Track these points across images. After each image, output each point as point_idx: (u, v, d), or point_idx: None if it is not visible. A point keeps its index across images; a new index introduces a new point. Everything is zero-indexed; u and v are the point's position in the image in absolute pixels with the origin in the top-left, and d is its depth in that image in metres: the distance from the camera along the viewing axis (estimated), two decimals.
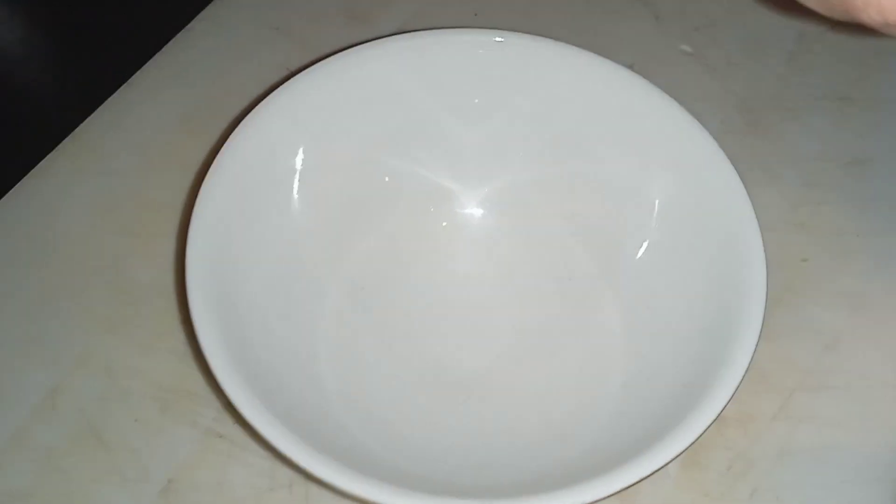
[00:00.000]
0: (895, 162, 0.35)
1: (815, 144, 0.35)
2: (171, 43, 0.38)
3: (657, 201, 0.29)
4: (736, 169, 0.27)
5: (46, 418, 0.28)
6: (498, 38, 0.30)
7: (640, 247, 0.29)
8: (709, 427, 0.22)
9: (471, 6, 0.39)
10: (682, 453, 0.22)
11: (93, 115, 0.35)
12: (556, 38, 0.30)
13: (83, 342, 0.30)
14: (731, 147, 0.34)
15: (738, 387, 0.23)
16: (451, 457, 0.26)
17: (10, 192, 0.33)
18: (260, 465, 0.27)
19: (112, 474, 0.27)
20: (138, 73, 0.37)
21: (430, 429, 0.27)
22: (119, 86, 0.36)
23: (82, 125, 0.35)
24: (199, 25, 0.39)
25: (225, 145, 0.27)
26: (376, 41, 0.29)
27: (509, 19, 0.38)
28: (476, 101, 0.30)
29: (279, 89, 0.28)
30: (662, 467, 0.22)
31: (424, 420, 0.27)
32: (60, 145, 0.34)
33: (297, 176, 0.29)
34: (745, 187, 0.27)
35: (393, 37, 0.29)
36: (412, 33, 0.30)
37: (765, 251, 0.25)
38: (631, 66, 0.30)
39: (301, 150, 0.29)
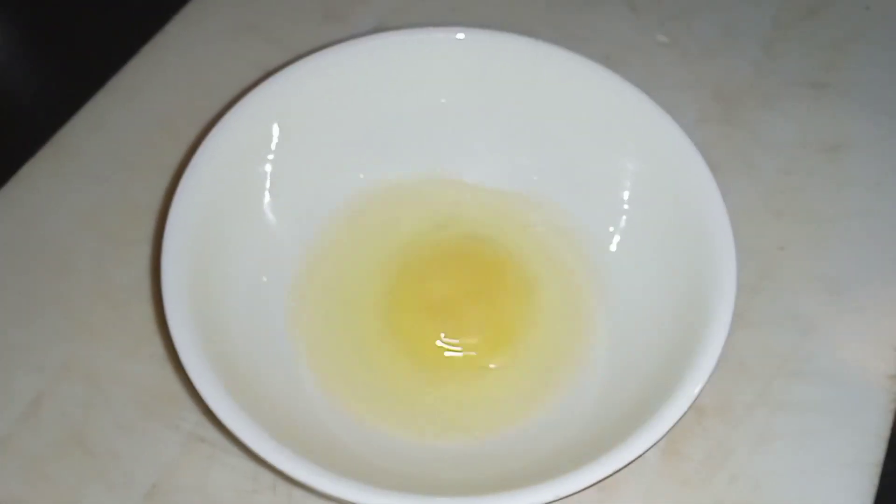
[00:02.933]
0: (871, 148, 0.35)
1: (791, 131, 0.35)
2: (147, 45, 0.38)
3: (628, 194, 0.29)
4: (712, 157, 0.27)
5: (31, 425, 0.28)
6: (461, 36, 0.30)
7: (614, 239, 0.29)
8: (682, 417, 0.23)
9: (448, 2, 0.39)
10: (654, 445, 0.22)
11: (71, 121, 0.35)
12: (530, 30, 0.30)
13: (65, 349, 0.30)
14: (708, 136, 0.34)
15: (710, 376, 0.23)
16: (431, 454, 0.27)
17: None
18: (243, 468, 0.27)
19: (97, 480, 0.27)
20: (115, 76, 0.37)
21: (411, 427, 0.27)
22: (96, 90, 0.36)
23: (61, 131, 0.35)
24: (176, 27, 0.38)
25: (197, 149, 0.27)
26: (347, 42, 0.29)
27: (486, 13, 0.39)
28: (443, 100, 0.30)
29: (251, 92, 0.28)
30: (635, 459, 0.22)
31: (406, 419, 0.28)
32: (40, 152, 0.34)
33: (270, 176, 0.29)
34: (722, 175, 0.27)
35: (362, 37, 0.29)
36: (381, 33, 0.30)
37: (741, 239, 0.26)
38: (607, 57, 0.30)
39: (274, 150, 0.29)
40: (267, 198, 0.29)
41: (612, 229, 0.29)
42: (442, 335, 0.29)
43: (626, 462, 0.22)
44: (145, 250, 0.32)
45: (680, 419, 0.23)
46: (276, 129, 0.29)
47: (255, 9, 0.39)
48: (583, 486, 0.22)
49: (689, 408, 0.23)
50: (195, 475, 0.27)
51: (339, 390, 0.28)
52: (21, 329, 0.30)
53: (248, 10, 0.39)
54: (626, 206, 0.29)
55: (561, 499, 0.22)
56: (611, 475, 0.22)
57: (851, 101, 0.36)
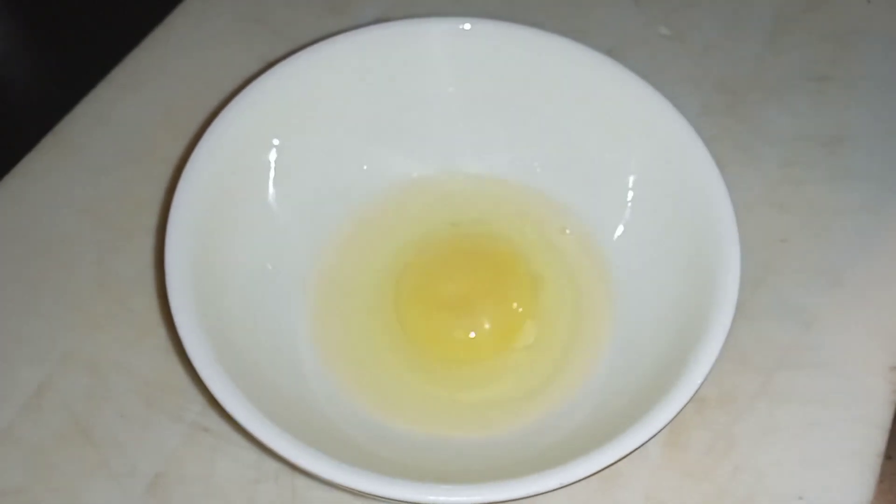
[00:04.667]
0: (874, 140, 0.35)
1: (793, 124, 0.35)
2: (149, 37, 0.38)
3: (632, 184, 0.29)
4: (715, 150, 0.27)
5: (33, 416, 0.28)
6: (467, 26, 0.30)
7: (617, 229, 0.29)
8: (684, 408, 0.23)
9: None
10: (656, 435, 0.22)
11: (72, 112, 0.35)
12: (534, 22, 0.30)
13: (68, 339, 0.30)
14: (711, 128, 0.34)
15: (712, 368, 0.23)
16: (434, 443, 0.27)
17: None
18: (246, 458, 0.28)
19: (100, 470, 0.27)
20: (117, 68, 0.37)
21: (413, 417, 0.27)
22: (98, 81, 0.36)
23: (62, 122, 0.35)
24: (178, 19, 0.38)
25: (200, 140, 0.27)
26: (350, 32, 0.29)
27: (489, 5, 0.39)
28: (450, 89, 0.30)
29: (253, 83, 0.28)
30: (636, 449, 0.22)
31: (408, 409, 0.28)
32: (40, 143, 0.34)
33: (273, 166, 0.29)
34: (724, 168, 0.27)
35: (366, 27, 0.29)
36: (386, 23, 0.30)
37: (743, 232, 0.26)
38: (610, 50, 0.30)
39: (277, 141, 0.29)
40: (270, 188, 0.29)
41: (616, 220, 0.29)
42: (447, 330, 0.29)
43: (627, 452, 0.22)
44: (148, 242, 0.32)
45: (681, 410, 0.23)
46: (278, 121, 0.29)
47: (257, 0, 0.39)
48: (584, 475, 0.22)
49: (691, 399, 0.23)
50: (198, 465, 0.27)
51: (344, 380, 0.28)
52: (23, 320, 0.30)
53: (249, 1, 0.39)
54: (630, 197, 0.29)
55: (564, 486, 0.22)
56: (612, 465, 0.22)
57: (854, 94, 0.36)
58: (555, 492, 0.22)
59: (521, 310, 0.30)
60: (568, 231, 0.31)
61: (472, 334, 0.29)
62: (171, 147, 0.34)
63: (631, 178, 0.29)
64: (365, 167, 0.31)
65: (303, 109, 0.29)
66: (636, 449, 0.22)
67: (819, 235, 0.32)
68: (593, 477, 0.22)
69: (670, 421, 0.23)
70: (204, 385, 0.23)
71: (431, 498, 0.22)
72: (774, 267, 0.32)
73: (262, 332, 0.27)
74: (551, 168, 0.31)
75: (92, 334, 0.30)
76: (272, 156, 0.29)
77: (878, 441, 0.28)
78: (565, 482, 0.22)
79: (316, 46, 0.29)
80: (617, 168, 0.29)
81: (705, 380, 0.23)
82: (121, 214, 0.33)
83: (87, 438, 0.28)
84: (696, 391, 0.23)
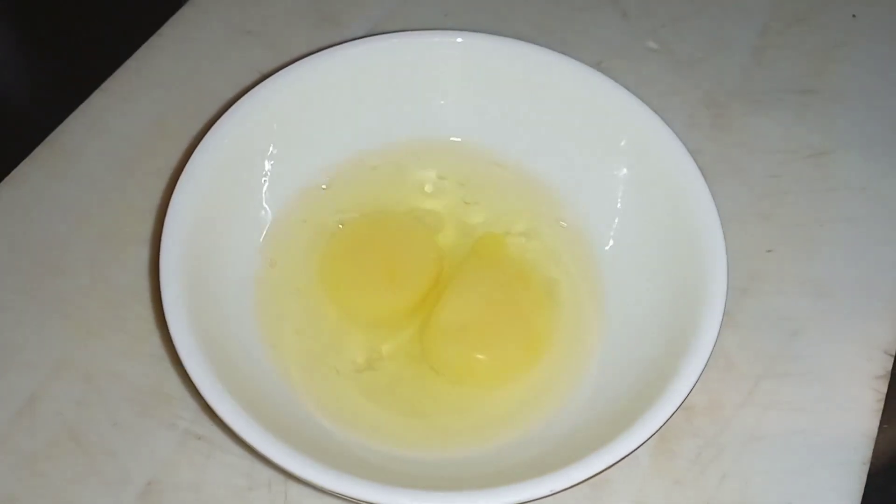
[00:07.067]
0: (857, 152, 0.35)
1: (779, 136, 0.36)
2: (143, 47, 0.38)
3: (620, 197, 0.29)
4: (701, 162, 0.28)
5: (26, 424, 0.28)
6: (459, 39, 0.30)
7: (607, 242, 0.30)
8: (672, 416, 0.23)
9: (441, 7, 0.40)
10: (644, 443, 0.22)
11: (66, 121, 0.35)
12: (524, 37, 0.31)
13: (61, 348, 0.30)
14: (698, 140, 0.35)
15: (700, 376, 0.23)
16: (424, 454, 0.27)
17: None
18: (238, 465, 0.28)
19: (92, 477, 0.27)
20: (111, 78, 0.37)
21: (405, 425, 0.28)
22: (92, 91, 0.36)
23: (56, 131, 0.35)
24: (171, 30, 0.39)
25: (195, 151, 0.27)
26: (344, 44, 0.30)
27: (479, 19, 0.39)
28: (441, 101, 0.30)
29: (248, 94, 0.28)
30: (625, 457, 0.22)
31: (400, 416, 0.28)
32: (34, 152, 0.35)
33: (267, 177, 0.29)
34: (711, 180, 0.27)
35: (360, 40, 0.30)
36: (378, 36, 0.30)
37: (730, 242, 0.26)
38: (598, 63, 0.30)
39: (271, 151, 0.29)
40: (263, 200, 0.29)
41: (604, 232, 0.30)
42: (440, 329, 0.29)
43: (617, 459, 0.22)
44: (141, 250, 0.32)
45: (669, 418, 0.23)
46: (272, 132, 0.29)
47: (250, 12, 0.39)
48: (574, 482, 0.22)
49: (679, 407, 0.23)
50: (191, 472, 0.28)
51: (335, 386, 0.28)
52: (16, 328, 0.30)
53: (243, 13, 0.39)
54: (618, 209, 0.29)
55: (555, 493, 0.22)
56: (602, 472, 0.22)
57: (838, 107, 0.37)
58: (545, 499, 0.22)
59: (509, 322, 0.30)
60: (556, 242, 0.31)
61: (466, 339, 0.29)
62: (166, 157, 0.34)
63: (619, 190, 0.29)
64: (358, 175, 0.31)
65: (296, 121, 0.30)
66: (626, 456, 0.22)
67: (804, 246, 0.33)
68: (583, 484, 0.22)
69: (659, 429, 0.23)
70: (197, 393, 0.23)
71: None
72: (760, 277, 0.32)
73: (257, 339, 0.27)
74: (544, 180, 0.31)
75: (85, 342, 0.30)
76: (266, 166, 0.29)
77: (864, 449, 0.28)
78: (556, 489, 0.22)
79: (309, 59, 0.30)
80: (605, 180, 0.30)
81: (693, 388, 0.24)
82: (115, 223, 0.33)
83: (79, 446, 0.28)
84: (685, 399, 0.23)
